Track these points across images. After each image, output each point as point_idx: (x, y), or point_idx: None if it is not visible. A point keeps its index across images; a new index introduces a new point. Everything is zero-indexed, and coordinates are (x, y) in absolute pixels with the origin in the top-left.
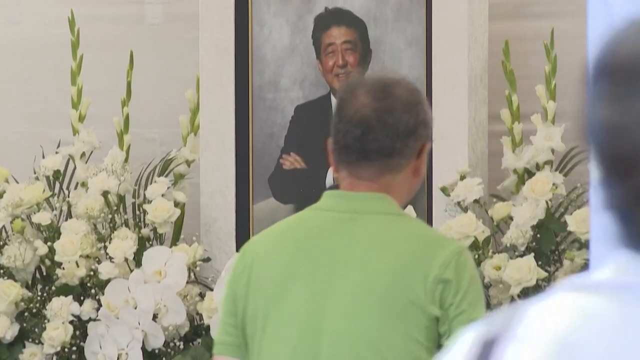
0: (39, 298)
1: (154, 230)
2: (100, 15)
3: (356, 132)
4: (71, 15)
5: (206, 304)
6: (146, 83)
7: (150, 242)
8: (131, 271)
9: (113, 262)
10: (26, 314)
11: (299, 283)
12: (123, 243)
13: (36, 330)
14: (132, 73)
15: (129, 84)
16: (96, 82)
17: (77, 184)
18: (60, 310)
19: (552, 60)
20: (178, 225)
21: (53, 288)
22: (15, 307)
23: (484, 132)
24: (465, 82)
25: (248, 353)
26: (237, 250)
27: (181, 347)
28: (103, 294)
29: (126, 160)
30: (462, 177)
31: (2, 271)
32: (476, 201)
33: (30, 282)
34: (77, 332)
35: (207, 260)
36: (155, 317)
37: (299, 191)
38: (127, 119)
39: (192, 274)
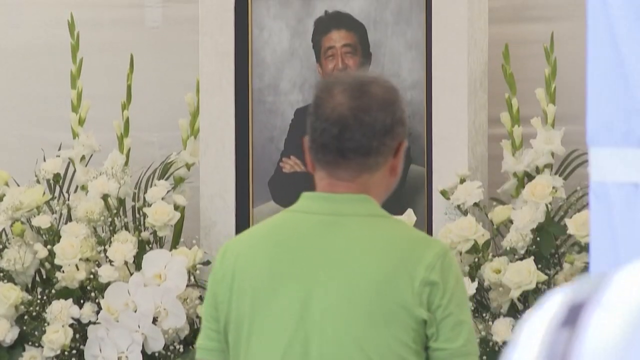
0: (38, 301)
1: (154, 233)
2: (100, 19)
3: (333, 131)
4: (71, 19)
5: None
6: (146, 86)
7: (150, 246)
8: (131, 274)
9: (113, 265)
10: (26, 317)
11: (285, 288)
12: (123, 246)
13: (36, 333)
14: (132, 76)
15: (128, 87)
16: (96, 85)
17: (77, 187)
18: (60, 314)
19: (551, 63)
20: (178, 228)
21: (53, 291)
22: (15, 310)
23: (483, 136)
24: (465, 86)
25: (232, 358)
26: None
27: (181, 350)
28: (103, 297)
29: (126, 163)
30: (462, 181)
31: (2, 274)
32: (476, 204)
33: (30, 285)
34: (77, 336)
35: (207, 263)
36: (155, 320)
37: (299, 194)
38: (127, 122)
39: (192, 277)
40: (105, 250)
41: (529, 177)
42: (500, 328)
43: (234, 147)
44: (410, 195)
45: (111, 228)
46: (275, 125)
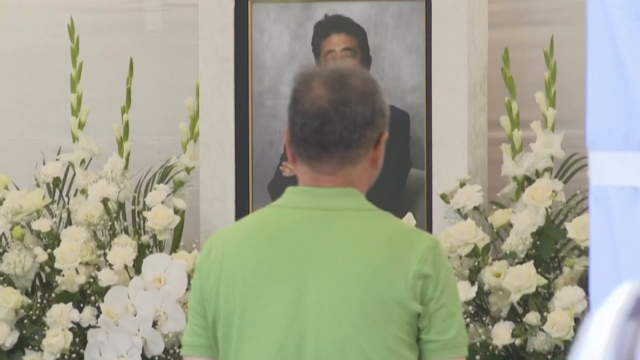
0: (38, 305)
1: (154, 237)
2: (100, 23)
3: (314, 125)
4: (71, 23)
5: None
6: (146, 90)
7: (150, 249)
8: (131, 278)
9: (113, 269)
10: (26, 321)
11: (275, 283)
12: (123, 250)
13: (36, 337)
14: (131, 80)
15: (128, 91)
16: (96, 89)
17: (77, 191)
18: (60, 317)
19: (551, 67)
20: (178, 232)
21: (53, 295)
22: (15, 314)
23: (483, 139)
24: (465, 89)
25: (221, 354)
26: None
27: (181, 354)
28: (103, 301)
29: (126, 167)
30: (462, 184)
31: (1, 278)
32: (476, 208)
33: (30, 289)
34: (77, 339)
35: None
36: (155, 324)
37: None
38: (126, 126)
39: (191, 281)
40: (105, 254)
41: (528, 180)
42: (500, 332)
43: (233, 150)
44: (410, 198)
45: (111, 232)
46: (275, 129)
